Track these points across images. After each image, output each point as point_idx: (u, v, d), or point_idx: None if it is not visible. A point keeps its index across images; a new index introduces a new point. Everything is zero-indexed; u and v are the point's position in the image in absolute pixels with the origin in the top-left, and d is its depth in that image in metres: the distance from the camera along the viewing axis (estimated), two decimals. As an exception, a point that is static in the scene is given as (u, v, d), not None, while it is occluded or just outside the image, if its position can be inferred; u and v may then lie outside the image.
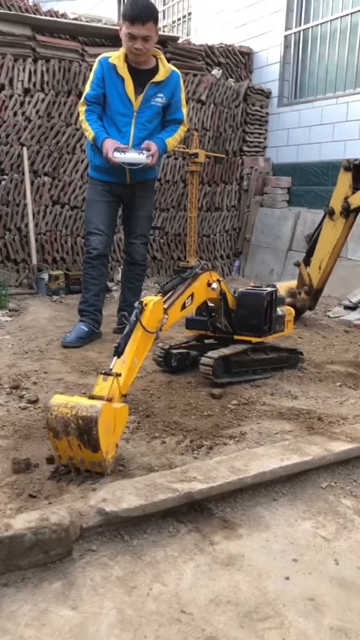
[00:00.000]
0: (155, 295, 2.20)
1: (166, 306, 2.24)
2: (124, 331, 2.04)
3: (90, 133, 3.36)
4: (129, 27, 3.16)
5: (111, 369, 1.91)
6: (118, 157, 3.27)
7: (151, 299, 2.12)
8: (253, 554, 1.51)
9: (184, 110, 3.54)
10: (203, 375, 2.71)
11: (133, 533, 1.54)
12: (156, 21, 3.23)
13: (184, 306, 2.43)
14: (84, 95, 3.42)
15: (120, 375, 1.88)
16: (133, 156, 3.30)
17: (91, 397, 1.82)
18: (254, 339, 2.89)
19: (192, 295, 2.50)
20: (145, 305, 2.06)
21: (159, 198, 5.94)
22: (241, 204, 6.66)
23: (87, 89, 3.41)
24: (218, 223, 6.52)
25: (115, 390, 1.86)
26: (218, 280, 2.68)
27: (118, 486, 1.62)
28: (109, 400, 1.80)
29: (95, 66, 3.38)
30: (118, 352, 1.97)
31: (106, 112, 3.41)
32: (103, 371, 1.89)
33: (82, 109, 3.42)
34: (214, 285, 2.65)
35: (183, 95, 3.52)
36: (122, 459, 1.92)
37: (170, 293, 2.36)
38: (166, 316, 2.20)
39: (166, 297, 2.29)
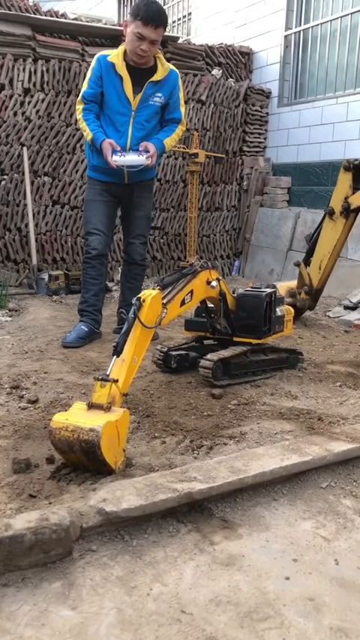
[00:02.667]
0: (153, 289, 2.18)
1: (165, 300, 2.23)
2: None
3: (88, 134, 3.35)
4: (140, 27, 3.15)
5: (108, 375, 1.89)
6: (118, 160, 3.27)
7: (149, 293, 2.10)
8: (253, 554, 1.51)
9: (183, 110, 3.53)
10: (203, 378, 2.71)
11: (133, 533, 1.54)
12: (165, 27, 3.27)
13: (183, 302, 2.42)
14: (81, 93, 3.39)
15: (117, 381, 1.87)
16: (132, 158, 3.30)
17: (90, 405, 1.81)
18: (254, 341, 2.88)
19: (191, 292, 2.49)
20: (144, 300, 2.05)
21: (159, 198, 5.94)
22: (241, 204, 6.66)
23: (84, 87, 3.38)
24: (218, 223, 6.52)
25: (115, 392, 1.85)
26: (218, 279, 2.68)
27: (118, 486, 1.62)
28: (108, 408, 1.80)
29: (93, 64, 3.36)
30: (117, 351, 1.96)
31: (103, 111, 3.40)
32: (100, 377, 1.87)
33: (79, 107, 3.40)
34: (214, 283, 2.65)
35: (181, 94, 3.51)
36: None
37: (170, 288, 2.36)
38: (165, 310, 2.19)
39: (165, 293, 2.29)
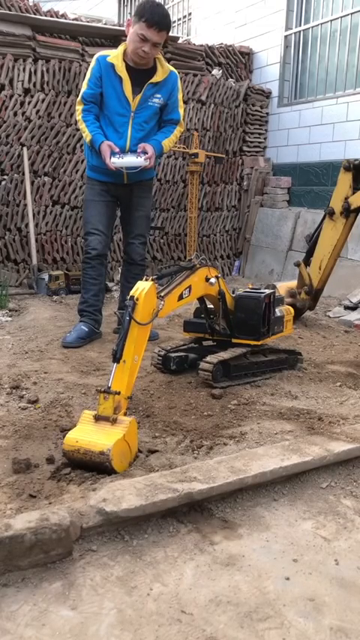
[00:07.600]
0: (146, 280, 2.16)
1: (163, 294, 2.23)
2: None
3: (87, 135, 3.34)
4: (144, 29, 3.14)
5: (109, 387, 1.92)
6: (117, 162, 3.27)
7: (142, 289, 2.08)
8: (253, 555, 1.51)
9: (181, 111, 3.53)
10: (203, 380, 2.71)
11: (133, 534, 1.54)
12: (169, 31, 3.27)
13: (181, 297, 2.42)
14: (81, 94, 3.39)
15: (119, 393, 1.91)
16: (131, 160, 3.31)
17: (97, 418, 1.87)
18: (252, 343, 2.87)
19: (189, 288, 2.49)
20: (137, 299, 2.05)
21: (159, 198, 5.94)
22: (241, 204, 6.66)
23: (84, 87, 3.38)
24: (218, 223, 6.52)
25: (119, 399, 1.90)
26: (217, 277, 2.67)
27: (118, 486, 1.62)
28: (114, 420, 1.85)
29: (93, 64, 3.35)
30: (117, 358, 1.97)
31: (103, 112, 3.39)
32: (103, 389, 1.91)
33: (79, 107, 3.40)
34: (213, 280, 2.64)
35: (180, 96, 3.51)
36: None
37: (167, 281, 2.35)
38: (162, 302, 2.19)
39: (163, 286, 2.29)
